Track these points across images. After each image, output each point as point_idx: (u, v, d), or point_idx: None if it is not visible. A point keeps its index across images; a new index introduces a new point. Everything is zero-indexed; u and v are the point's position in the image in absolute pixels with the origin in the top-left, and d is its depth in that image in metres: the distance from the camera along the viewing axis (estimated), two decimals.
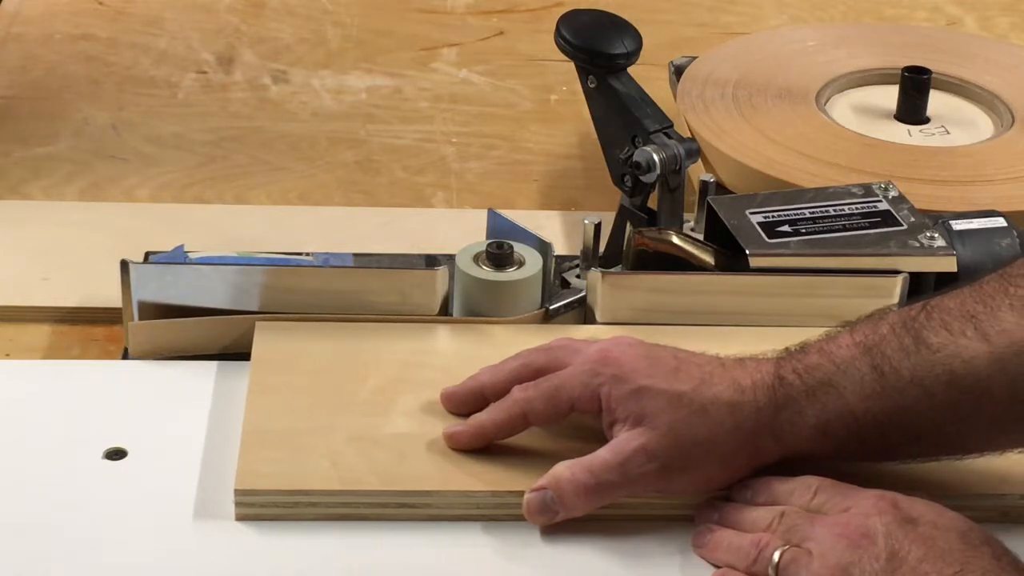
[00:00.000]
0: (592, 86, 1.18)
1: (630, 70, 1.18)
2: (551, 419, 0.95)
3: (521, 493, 0.92)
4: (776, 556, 0.87)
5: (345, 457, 0.94)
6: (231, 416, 0.99)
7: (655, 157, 1.14)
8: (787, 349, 0.94)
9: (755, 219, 1.11)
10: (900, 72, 1.34)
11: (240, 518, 0.92)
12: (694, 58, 1.39)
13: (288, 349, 1.03)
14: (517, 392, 0.95)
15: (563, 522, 0.92)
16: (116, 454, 0.97)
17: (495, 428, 0.95)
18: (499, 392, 0.96)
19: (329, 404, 0.99)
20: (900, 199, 1.13)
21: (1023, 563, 0.84)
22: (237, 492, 0.92)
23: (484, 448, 0.95)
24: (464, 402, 0.98)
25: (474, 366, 0.99)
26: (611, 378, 0.92)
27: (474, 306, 1.07)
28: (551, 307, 1.08)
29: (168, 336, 1.05)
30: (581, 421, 0.95)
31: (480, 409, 0.96)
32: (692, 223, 1.17)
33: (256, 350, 1.03)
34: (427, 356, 1.04)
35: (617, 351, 0.94)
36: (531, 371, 0.96)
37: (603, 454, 0.91)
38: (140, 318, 1.05)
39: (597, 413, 0.93)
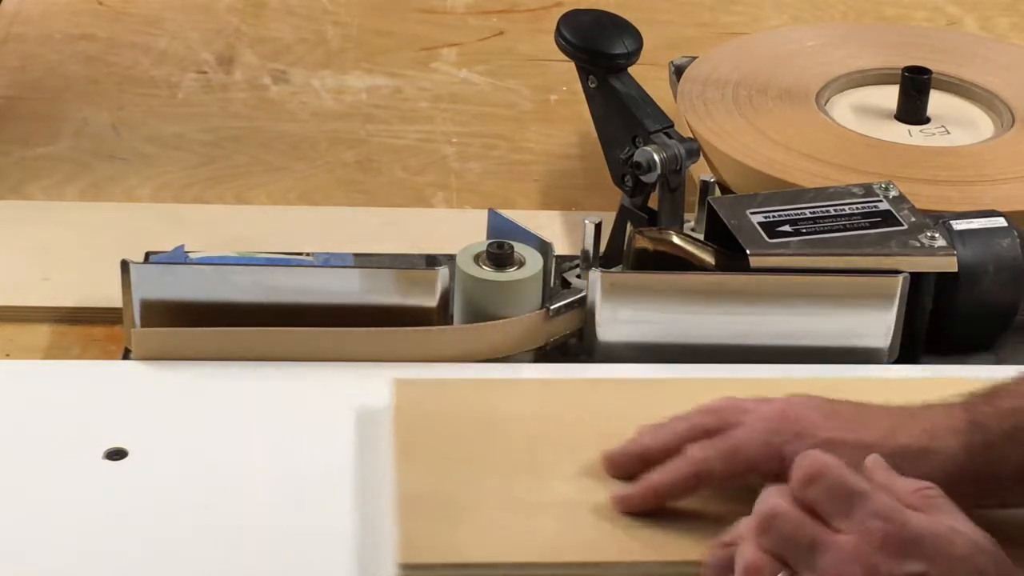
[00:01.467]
0: (592, 86, 1.18)
1: (630, 70, 1.18)
2: (726, 481, 0.89)
3: (695, 563, 0.85)
4: None
5: (507, 525, 0.90)
6: (232, 416, 0.99)
7: (655, 157, 1.14)
8: (972, 393, 0.90)
9: (756, 219, 1.10)
10: (900, 72, 1.34)
11: None
12: (694, 58, 1.39)
13: (429, 408, 0.99)
14: (694, 451, 0.89)
15: None
16: (116, 454, 0.97)
17: (668, 490, 0.90)
18: (664, 456, 0.91)
19: (480, 468, 0.94)
20: (900, 199, 1.13)
21: None
22: (401, 567, 0.87)
23: (649, 514, 0.90)
24: (626, 466, 0.93)
25: (623, 423, 0.95)
26: (794, 435, 0.88)
27: (475, 306, 1.07)
28: (551, 307, 1.08)
29: (172, 344, 1.05)
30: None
31: (641, 473, 0.91)
32: (692, 223, 1.17)
33: (398, 409, 0.98)
34: (568, 410, 0.99)
35: (795, 409, 0.89)
36: (700, 432, 0.91)
37: None
38: (143, 316, 1.05)
39: (776, 474, 0.85)
